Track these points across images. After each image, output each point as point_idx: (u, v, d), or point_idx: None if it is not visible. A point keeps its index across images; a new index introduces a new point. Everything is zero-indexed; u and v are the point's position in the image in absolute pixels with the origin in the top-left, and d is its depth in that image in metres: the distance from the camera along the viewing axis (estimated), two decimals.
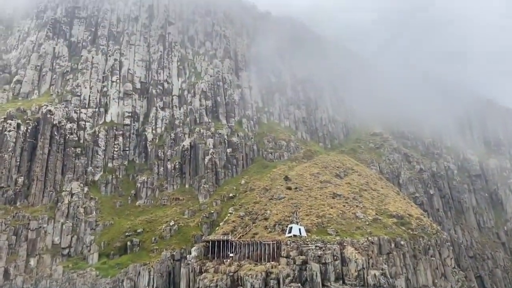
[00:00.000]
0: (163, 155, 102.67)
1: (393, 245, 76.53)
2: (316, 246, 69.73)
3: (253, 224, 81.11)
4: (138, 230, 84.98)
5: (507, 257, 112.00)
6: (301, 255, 68.55)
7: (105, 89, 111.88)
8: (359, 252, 69.97)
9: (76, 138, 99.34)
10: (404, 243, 78.36)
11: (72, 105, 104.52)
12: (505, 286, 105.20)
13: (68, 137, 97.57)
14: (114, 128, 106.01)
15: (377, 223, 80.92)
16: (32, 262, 77.26)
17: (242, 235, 77.63)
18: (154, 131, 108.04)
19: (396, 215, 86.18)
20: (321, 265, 67.07)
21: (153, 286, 73.89)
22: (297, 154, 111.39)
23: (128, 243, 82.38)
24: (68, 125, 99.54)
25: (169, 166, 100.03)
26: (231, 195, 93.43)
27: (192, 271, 71.92)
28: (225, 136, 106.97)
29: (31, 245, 79.21)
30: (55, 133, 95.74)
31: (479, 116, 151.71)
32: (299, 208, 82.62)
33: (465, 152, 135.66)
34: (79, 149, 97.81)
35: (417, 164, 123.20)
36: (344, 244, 71.08)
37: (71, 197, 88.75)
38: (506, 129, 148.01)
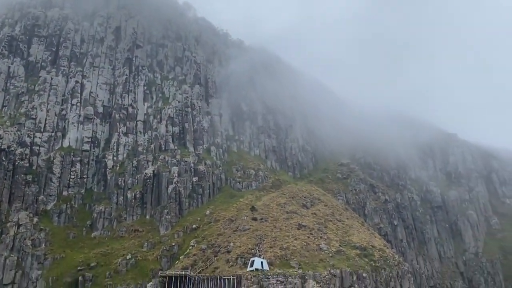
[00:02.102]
0: (123, 184, 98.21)
1: (355, 277, 75.09)
2: (277, 281, 67.50)
3: (215, 258, 77.96)
4: (92, 264, 79.74)
5: (465, 286, 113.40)
6: None
7: (63, 112, 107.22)
8: (320, 286, 68.25)
9: (27, 164, 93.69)
10: (366, 275, 77.08)
11: (25, 128, 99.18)
12: None
13: (18, 163, 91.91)
14: (72, 154, 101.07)
15: (340, 255, 79.57)
16: None
17: (203, 269, 74.32)
18: (115, 158, 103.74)
19: (360, 246, 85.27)
20: None
21: None
22: (266, 184, 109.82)
23: (80, 278, 76.91)
24: (19, 150, 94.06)
25: (129, 195, 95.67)
26: (194, 226, 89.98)
27: None
28: (192, 164, 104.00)
29: None
30: (3, 158, 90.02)
31: (441, 149, 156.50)
32: (263, 240, 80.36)
33: (427, 183, 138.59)
34: (30, 176, 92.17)
35: (382, 195, 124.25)
36: (306, 277, 69.21)
37: (18, 228, 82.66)
38: (465, 162, 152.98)
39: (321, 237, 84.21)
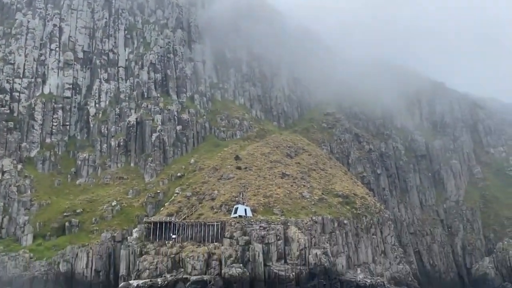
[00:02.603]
0: (106, 131, 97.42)
1: (336, 224, 77.56)
2: (260, 227, 69.33)
3: (200, 205, 79.33)
4: (78, 210, 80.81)
5: (444, 233, 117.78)
6: (245, 236, 67.96)
7: (42, 57, 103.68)
8: (302, 232, 70.38)
9: (8, 111, 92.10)
10: (347, 222, 79.66)
11: (4, 74, 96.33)
12: (440, 260, 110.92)
13: None
14: (53, 100, 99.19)
15: (323, 203, 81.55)
16: None
17: (187, 216, 75.81)
18: (97, 105, 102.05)
19: (342, 194, 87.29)
20: (264, 245, 66.85)
21: (91, 268, 70.93)
22: (250, 133, 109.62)
23: (66, 223, 78.23)
24: None
25: (113, 143, 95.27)
26: (179, 174, 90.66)
27: (132, 253, 69.59)
28: (175, 113, 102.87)
29: None
30: None
31: (428, 99, 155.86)
32: (247, 188, 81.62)
33: (412, 133, 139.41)
34: (12, 123, 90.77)
35: (367, 144, 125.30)
36: (288, 224, 71.18)
37: (3, 175, 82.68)
38: (452, 111, 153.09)
39: (304, 186, 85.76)
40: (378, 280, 71.84)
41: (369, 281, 70.39)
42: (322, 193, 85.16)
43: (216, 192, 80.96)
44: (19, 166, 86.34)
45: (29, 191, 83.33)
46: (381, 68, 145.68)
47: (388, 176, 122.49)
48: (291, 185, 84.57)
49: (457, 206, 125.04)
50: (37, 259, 71.45)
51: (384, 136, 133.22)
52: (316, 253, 68.63)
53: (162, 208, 79.95)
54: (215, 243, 67.88)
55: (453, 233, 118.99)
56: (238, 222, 70.06)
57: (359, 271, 74.58)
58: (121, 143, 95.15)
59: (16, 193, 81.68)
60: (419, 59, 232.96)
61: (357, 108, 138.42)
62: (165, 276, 63.50)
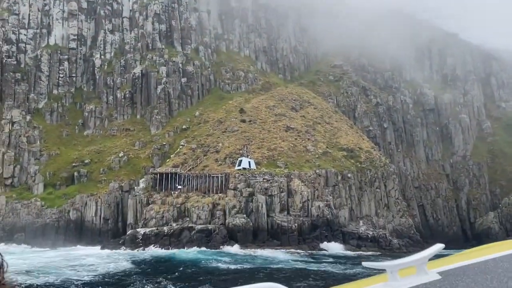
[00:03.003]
0: (112, 83, 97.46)
1: (340, 177, 78.53)
2: (263, 179, 70.66)
3: (204, 157, 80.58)
4: (86, 161, 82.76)
5: (449, 188, 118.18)
6: (248, 187, 69.49)
7: (47, 8, 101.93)
8: (305, 185, 71.60)
9: (15, 62, 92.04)
10: (351, 175, 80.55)
11: (9, 24, 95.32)
12: (444, 214, 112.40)
13: (6, 60, 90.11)
14: (59, 52, 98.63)
15: (327, 156, 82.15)
16: None
17: (192, 168, 77.28)
18: (102, 57, 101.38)
19: (347, 148, 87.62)
20: (267, 197, 68.44)
21: (100, 216, 73.63)
22: (255, 86, 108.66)
23: (75, 173, 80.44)
24: (5, 47, 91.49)
25: (119, 95, 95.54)
26: (184, 127, 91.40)
27: (139, 202, 71.77)
28: (180, 65, 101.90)
29: None
30: None
31: (440, 50, 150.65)
32: (251, 141, 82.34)
33: (422, 86, 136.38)
34: (19, 74, 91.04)
35: (374, 98, 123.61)
36: (292, 176, 72.34)
37: (12, 125, 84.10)
38: (464, 63, 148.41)
39: (308, 139, 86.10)
40: (380, 232, 73.66)
41: (371, 233, 72.25)
42: (327, 147, 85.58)
43: (220, 144, 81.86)
44: (28, 117, 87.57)
45: (38, 142, 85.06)
46: (391, 18, 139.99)
47: (395, 130, 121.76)
48: (296, 139, 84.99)
49: (464, 161, 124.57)
50: (48, 207, 74.21)
51: (392, 89, 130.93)
52: (319, 205, 70.20)
53: (168, 160, 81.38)
54: (219, 194, 69.64)
55: (459, 188, 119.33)
56: (242, 174, 71.43)
57: (361, 223, 76.40)
58: (127, 95, 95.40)
59: (26, 143, 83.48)
60: (432, 8, 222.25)
61: (365, 60, 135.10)
62: (171, 225, 65.80)
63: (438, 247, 2.78)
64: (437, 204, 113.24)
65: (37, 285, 25.09)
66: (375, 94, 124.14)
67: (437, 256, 2.83)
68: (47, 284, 26.45)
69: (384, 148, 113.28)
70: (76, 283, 26.97)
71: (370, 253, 62.94)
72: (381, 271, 2.69)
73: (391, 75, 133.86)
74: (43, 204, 74.75)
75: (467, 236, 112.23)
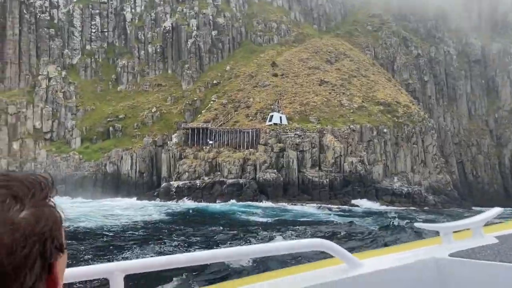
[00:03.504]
0: (143, 38, 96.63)
1: (375, 132, 76.01)
2: (295, 134, 69.44)
3: (235, 112, 79.86)
4: (120, 116, 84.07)
5: (492, 144, 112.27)
6: (279, 143, 68.64)
7: None
8: (338, 140, 69.86)
9: (49, 18, 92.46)
10: (387, 130, 77.76)
11: None
12: (484, 171, 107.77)
13: (39, 16, 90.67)
14: (90, 6, 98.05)
15: (362, 111, 79.31)
16: (15, 145, 77.81)
17: (223, 123, 76.93)
18: (133, 10, 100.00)
19: (384, 102, 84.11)
20: (298, 152, 67.44)
21: (135, 170, 75.51)
22: (288, 38, 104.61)
23: (111, 128, 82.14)
24: (38, 2, 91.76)
25: (150, 50, 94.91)
26: (215, 81, 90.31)
27: (172, 156, 72.79)
28: (210, 17, 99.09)
29: (11, 130, 78.92)
30: (25, 11, 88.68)
31: None
32: (283, 96, 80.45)
33: (468, 35, 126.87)
34: (53, 30, 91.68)
35: (415, 49, 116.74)
36: (324, 132, 70.63)
37: (49, 81, 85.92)
38: None
39: (343, 93, 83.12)
40: (415, 189, 71.61)
41: (405, 189, 70.35)
42: (362, 101, 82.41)
43: (251, 99, 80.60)
44: (63, 73, 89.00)
45: (74, 97, 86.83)
46: None
47: (436, 83, 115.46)
48: (330, 93, 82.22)
49: (510, 116, 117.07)
50: (86, 160, 76.73)
51: (435, 39, 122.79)
52: (352, 161, 68.64)
53: (199, 115, 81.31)
54: (250, 150, 69.27)
55: (502, 144, 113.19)
56: (273, 130, 70.41)
57: (396, 180, 74.39)
58: (158, 50, 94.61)
59: (63, 99, 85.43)
60: None
61: (406, 8, 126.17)
62: (203, 179, 66.60)
63: (496, 210, 2.67)
64: (478, 161, 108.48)
65: (78, 230, 26.09)
66: (416, 45, 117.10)
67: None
68: (87, 229, 27.54)
69: (424, 103, 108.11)
70: (113, 229, 28.03)
71: (403, 208, 61.32)
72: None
73: (434, 24, 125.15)
74: (81, 157, 77.31)
75: (509, 194, 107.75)
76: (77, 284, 8.51)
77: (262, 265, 10.37)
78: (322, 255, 2.08)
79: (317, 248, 2.02)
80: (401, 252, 2.45)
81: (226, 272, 9.94)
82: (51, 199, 0.90)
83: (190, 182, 66.11)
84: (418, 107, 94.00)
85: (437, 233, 2.55)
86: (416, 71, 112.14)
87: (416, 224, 2.76)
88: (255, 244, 2.21)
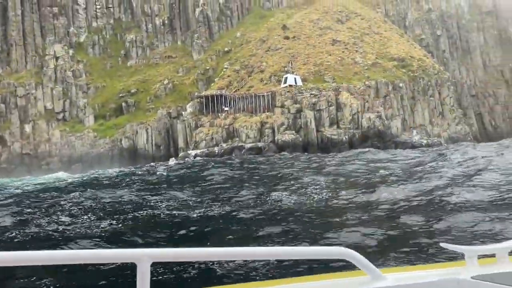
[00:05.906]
0: (150, 10, 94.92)
1: (391, 87, 74.69)
2: (311, 94, 68.48)
3: (249, 78, 78.79)
4: (132, 91, 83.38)
5: (508, 94, 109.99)
6: (296, 104, 67.81)
7: None
8: (354, 97, 68.85)
9: None
10: (402, 85, 76.38)
11: None
12: (503, 121, 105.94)
13: None
14: None
15: (376, 67, 77.83)
16: (27, 128, 77.46)
17: (238, 89, 76.05)
18: None
19: (398, 58, 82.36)
20: (315, 112, 66.63)
21: (152, 143, 75.33)
22: (297, 0, 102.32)
23: (123, 104, 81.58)
24: None
25: (157, 22, 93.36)
26: (226, 49, 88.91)
27: (188, 126, 72.36)
28: None
29: (22, 112, 78.54)
30: None
31: None
32: (296, 58, 79.06)
33: None
34: (56, 8, 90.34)
35: (425, 4, 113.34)
36: (340, 90, 69.57)
37: (56, 60, 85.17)
38: None
39: (356, 51, 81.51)
40: (435, 140, 70.61)
41: (425, 141, 69.33)
42: (376, 58, 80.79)
43: (264, 64, 79.35)
44: (71, 51, 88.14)
45: (84, 75, 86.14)
46: None
47: (449, 37, 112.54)
48: (343, 52, 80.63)
49: None
50: (101, 138, 76.55)
51: None
52: (370, 117, 67.66)
53: (212, 84, 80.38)
54: (267, 113, 68.54)
55: None
56: (288, 91, 69.48)
57: (415, 133, 73.46)
58: (166, 22, 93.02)
59: (72, 77, 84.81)
60: None
61: None
62: (221, 145, 66.23)
63: None
64: (496, 111, 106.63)
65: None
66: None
67: None
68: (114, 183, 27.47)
69: (438, 57, 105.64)
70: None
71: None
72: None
73: None
74: (95, 135, 77.14)
75: None
76: (102, 266, 8.07)
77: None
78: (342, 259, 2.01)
79: (338, 257, 2.00)
80: (425, 270, 2.47)
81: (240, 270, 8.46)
82: None
83: (208, 149, 65.82)
84: (432, 60, 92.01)
85: (462, 255, 2.48)
86: (428, 26, 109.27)
87: (442, 244, 2.69)
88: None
